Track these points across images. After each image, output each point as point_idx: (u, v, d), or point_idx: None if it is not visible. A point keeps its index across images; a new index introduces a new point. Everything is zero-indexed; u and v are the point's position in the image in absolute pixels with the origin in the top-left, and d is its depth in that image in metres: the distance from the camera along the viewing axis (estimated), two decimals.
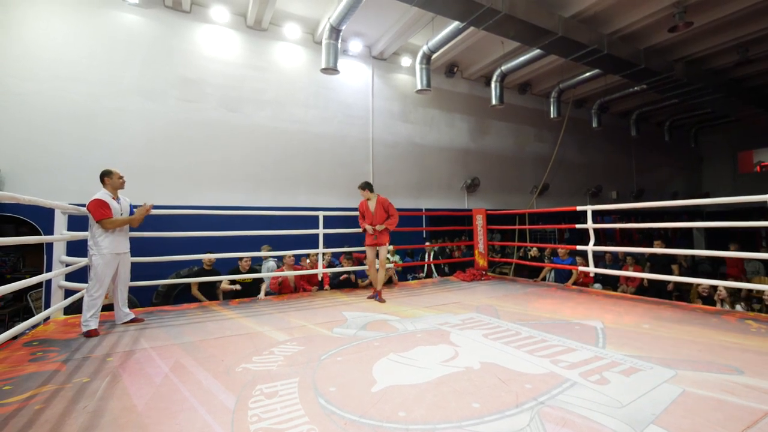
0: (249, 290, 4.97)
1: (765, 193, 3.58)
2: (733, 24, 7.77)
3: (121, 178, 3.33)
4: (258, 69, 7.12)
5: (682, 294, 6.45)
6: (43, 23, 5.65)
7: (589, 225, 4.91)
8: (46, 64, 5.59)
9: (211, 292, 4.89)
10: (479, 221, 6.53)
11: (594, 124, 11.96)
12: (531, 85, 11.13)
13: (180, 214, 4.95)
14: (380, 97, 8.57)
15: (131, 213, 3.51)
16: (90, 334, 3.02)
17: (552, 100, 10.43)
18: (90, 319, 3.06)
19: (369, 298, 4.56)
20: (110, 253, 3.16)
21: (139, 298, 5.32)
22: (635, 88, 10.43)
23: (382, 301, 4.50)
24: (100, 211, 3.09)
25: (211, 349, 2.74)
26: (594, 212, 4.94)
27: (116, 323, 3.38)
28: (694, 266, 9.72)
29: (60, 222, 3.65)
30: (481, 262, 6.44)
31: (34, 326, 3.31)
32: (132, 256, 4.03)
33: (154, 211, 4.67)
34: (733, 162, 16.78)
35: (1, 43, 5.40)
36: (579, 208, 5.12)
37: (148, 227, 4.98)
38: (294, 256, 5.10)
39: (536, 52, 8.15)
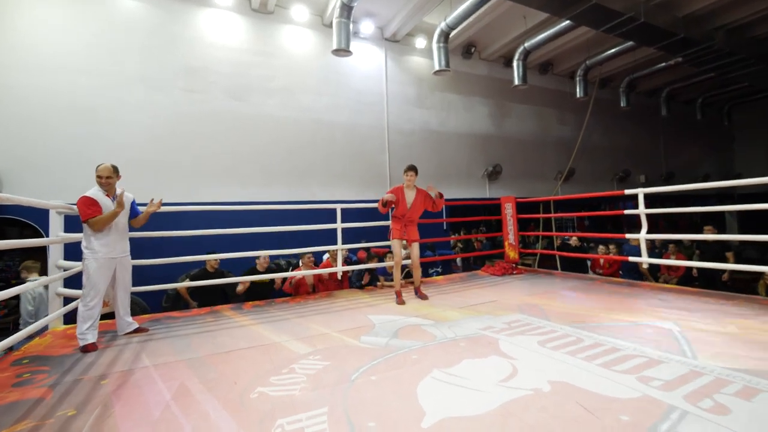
0: (265, 291, 4.59)
1: None
2: None
3: (100, 177, 2.84)
4: (265, 55, 6.68)
5: (735, 284, 5.84)
6: (39, 11, 5.30)
7: (641, 210, 4.34)
8: (42, 54, 5.26)
9: (211, 297, 4.52)
10: (508, 210, 6.01)
11: (622, 104, 11.19)
12: (553, 64, 10.43)
13: (188, 211, 4.59)
14: (394, 81, 8.04)
15: (135, 212, 3.13)
16: (87, 348, 2.65)
17: (578, 78, 9.73)
18: (87, 331, 2.69)
19: (398, 304, 4.01)
20: (105, 257, 2.78)
21: (149, 302, 5.00)
22: (669, 62, 9.65)
23: (423, 296, 4.07)
24: (85, 210, 2.70)
25: (221, 367, 2.34)
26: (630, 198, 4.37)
27: (118, 334, 3.02)
28: (738, 253, 9.01)
29: (55, 223, 3.30)
30: (512, 254, 5.92)
31: (32, 337, 2.98)
32: (137, 257, 3.69)
33: (161, 208, 4.32)
34: None
35: None
36: (627, 191, 4.56)
37: (153, 226, 4.63)
38: (313, 255, 4.69)
39: (562, 25, 7.50)
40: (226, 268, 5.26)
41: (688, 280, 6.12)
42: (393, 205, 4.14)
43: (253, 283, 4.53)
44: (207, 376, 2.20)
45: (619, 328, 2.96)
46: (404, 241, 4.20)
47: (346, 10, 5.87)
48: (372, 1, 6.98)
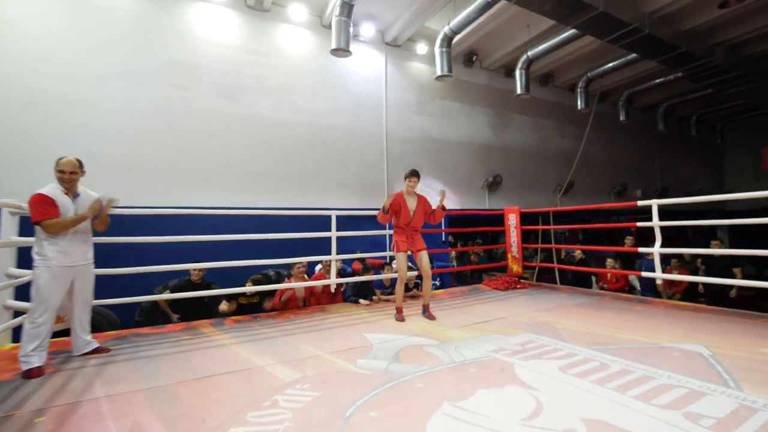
0: (255, 311, 4.20)
1: None
2: None
3: (63, 172, 2.44)
4: (260, 53, 6.38)
5: (742, 301, 5.64)
6: (22, 3, 4.95)
7: (655, 223, 4.09)
8: (16, 43, 4.88)
9: (194, 311, 4.11)
10: (512, 221, 5.73)
11: (622, 117, 11.14)
12: (554, 76, 10.34)
13: (171, 215, 4.21)
14: (394, 86, 7.81)
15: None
16: (31, 374, 2.23)
17: (579, 90, 9.63)
18: (32, 353, 2.28)
19: (398, 320, 3.67)
20: (60, 265, 2.38)
21: (121, 316, 4.55)
22: (668, 77, 9.62)
23: (431, 318, 3.66)
24: (38, 210, 2.31)
25: (190, 399, 1.96)
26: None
27: (73, 355, 2.60)
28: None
29: (8, 225, 2.90)
30: (515, 267, 5.62)
31: None
32: (111, 264, 3.30)
33: (138, 212, 3.95)
34: (756, 158, 15.87)
35: None
36: (640, 203, 4.33)
37: (132, 231, 4.23)
38: (304, 265, 4.32)
39: (565, 35, 7.38)
40: (212, 279, 4.86)
41: (691, 295, 5.92)
42: (394, 215, 3.82)
43: (240, 303, 4.14)
44: (170, 412, 1.81)
45: (643, 350, 2.66)
46: (409, 253, 3.82)
47: (347, 8, 5.64)
48: (373, 2, 6.78)
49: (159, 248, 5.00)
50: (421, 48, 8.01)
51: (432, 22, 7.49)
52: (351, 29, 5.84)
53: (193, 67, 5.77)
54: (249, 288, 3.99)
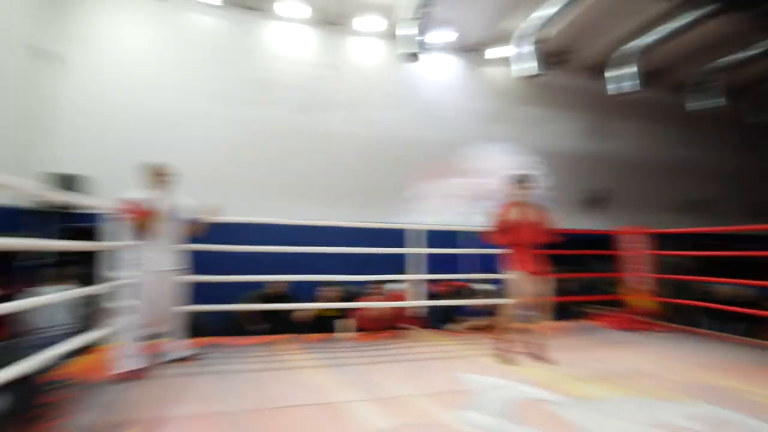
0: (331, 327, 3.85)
1: None
2: None
3: None
4: (331, 67, 6.54)
5: None
6: (119, 29, 5.75)
7: None
8: (133, 75, 5.70)
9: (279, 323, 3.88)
10: (638, 245, 4.59)
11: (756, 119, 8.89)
12: (661, 74, 8.62)
13: (248, 224, 4.18)
14: (471, 95, 7.26)
15: None
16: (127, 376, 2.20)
17: (698, 88, 7.94)
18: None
19: (499, 355, 2.98)
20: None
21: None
22: None
23: (546, 360, 2.96)
24: None
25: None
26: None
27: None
28: None
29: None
30: (646, 303, 4.42)
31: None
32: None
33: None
34: None
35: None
36: None
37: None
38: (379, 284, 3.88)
39: (679, 24, 6.04)
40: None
41: None
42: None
43: (319, 315, 3.83)
44: None
45: None
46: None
47: (419, 16, 5.28)
48: (447, 8, 6.37)
49: (239, 259, 5.11)
50: (500, 52, 7.30)
51: (512, 23, 6.76)
52: (424, 38, 5.49)
53: (271, 84, 6.20)
54: (330, 304, 3.66)
